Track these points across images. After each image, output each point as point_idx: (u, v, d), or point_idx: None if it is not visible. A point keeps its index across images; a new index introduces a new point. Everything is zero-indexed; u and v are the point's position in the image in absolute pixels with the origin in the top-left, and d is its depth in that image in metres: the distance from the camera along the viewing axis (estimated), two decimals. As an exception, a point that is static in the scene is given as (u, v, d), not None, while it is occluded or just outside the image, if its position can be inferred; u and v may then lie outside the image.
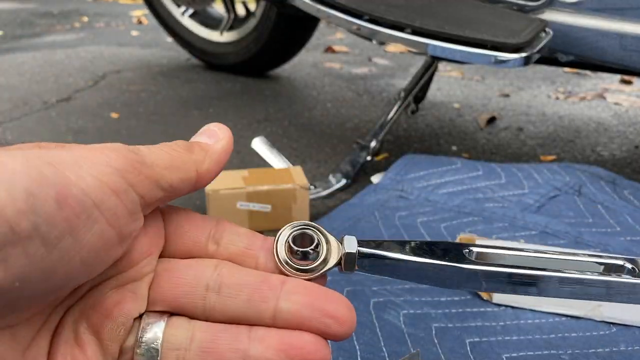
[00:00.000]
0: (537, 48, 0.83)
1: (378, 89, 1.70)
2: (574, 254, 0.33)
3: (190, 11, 1.78)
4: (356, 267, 0.30)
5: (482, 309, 0.64)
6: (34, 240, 0.20)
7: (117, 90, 1.64)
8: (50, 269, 0.21)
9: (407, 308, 0.64)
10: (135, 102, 1.54)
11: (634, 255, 0.73)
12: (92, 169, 0.22)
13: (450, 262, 0.30)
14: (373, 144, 1.04)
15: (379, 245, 0.30)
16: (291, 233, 0.29)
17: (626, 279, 0.31)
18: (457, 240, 0.67)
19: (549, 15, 0.90)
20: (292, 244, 0.28)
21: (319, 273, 0.28)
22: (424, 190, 0.92)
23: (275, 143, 1.18)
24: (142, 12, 3.13)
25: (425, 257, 0.30)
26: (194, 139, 0.29)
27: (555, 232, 0.80)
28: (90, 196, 0.22)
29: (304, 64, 2.00)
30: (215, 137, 0.29)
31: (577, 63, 0.98)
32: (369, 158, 1.03)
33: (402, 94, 1.10)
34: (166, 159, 0.26)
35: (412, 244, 0.31)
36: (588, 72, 1.92)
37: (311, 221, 0.32)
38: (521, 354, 0.57)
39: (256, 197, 0.81)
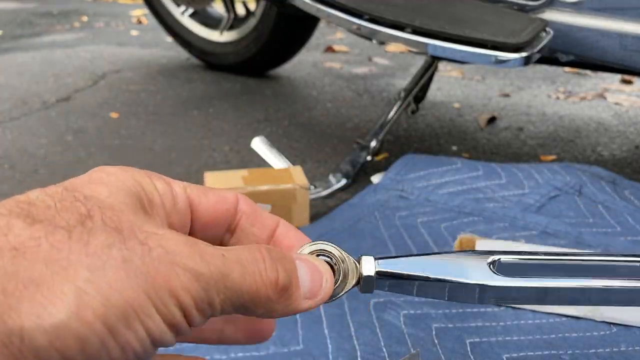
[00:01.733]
0: (538, 48, 0.83)
1: (378, 89, 1.70)
2: (604, 256, 0.31)
3: (190, 11, 1.78)
4: (375, 288, 0.29)
5: (482, 309, 0.64)
6: None
7: (116, 90, 1.64)
8: None
9: (407, 308, 0.63)
10: (135, 102, 1.53)
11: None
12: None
13: (477, 280, 0.28)
14: (373, 143, 1.03)
15: (398, 264, 0.29)
16: (311, 252, 0.28)
17: None
18: (457, 240, 0.67)
19: (549, 15, 0.90)
20: None
21: (336, 297, 0.28)
22: (424, 190, 0.92)
23: (275, 143, 1.18)
24: (141, 12, 3.13)
25: (450, 275, 0.28)
26: (298, 259, 0.27)
27: (555, 232, 0.80)
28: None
29: (304, 63, 2.00)
30: (315, 291, 0.27)
31: (578, 63, 0.98)
32: (369, 158, 1.03)
33: (402, 94, 1.10)
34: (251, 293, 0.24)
35: (434, 258, 0.29)
36: (588, 72, 1.92)
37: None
38: (521, 354, 0.57)
39: (256, 197, 0.81)
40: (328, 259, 0.28)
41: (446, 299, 0.29)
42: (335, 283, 0.28)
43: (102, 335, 0.20)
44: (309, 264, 0.27)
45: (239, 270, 0.23)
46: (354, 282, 0.28)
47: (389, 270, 0.29)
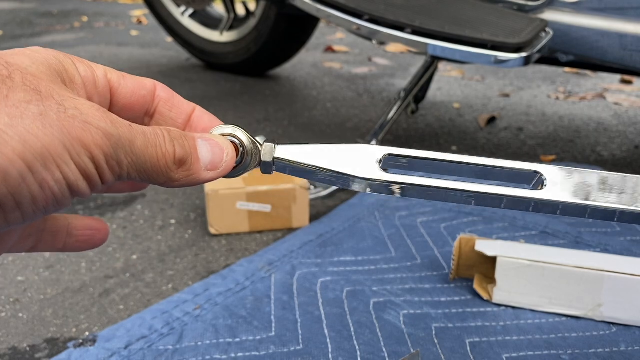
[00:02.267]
0: (537, 48, 0.83)
1: (378, 89, 1.70)
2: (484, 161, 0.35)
3: (190, 11, 1.78)
4: (273, 171, 0.33)
5: (482, 309, 0.64)
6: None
7: (117, 90, 1.64)
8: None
9: (407, 308, 0.63)
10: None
11: (634, 256, 0.73)
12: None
13: (360, 174, 0.32)
14: (373, 143, 1.03)
15: (295, 152, 0.33)
16: (220, 134, 0.32)
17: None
18: (457, 240, 0.67)
19: (549, 15, 0.90)
20: None
21: (238, 174, 0.33)
22: (424, 190, 0.92)
23: (275, 143, 1.18)
24: (141, 12, 3.13)
25: (338, 167, 0.32)
26: (201, 137, 0.30)
27: (555, 232, 0.80)
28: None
29: (304, 64, 2.00)
30: (215, 164, 0.31)
31: (577, 63, 0.98)
32: (369, 158, 1.03)
33: (402, 94, 1.10)
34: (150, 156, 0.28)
35: (328, 149, 0.33)
36: (588, 72, 1.92)
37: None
38: (521, 354, 0.57)
39: (256, 197, 0.81)
40: (235, 140, 0.32)
41: (335, 185, 0.33)
42: (240, 162, 0.32)
43: (21, 170, 0.22)
44: (212, 142, 0.31)
45: (143, 140, 0.27)
46: (255, 163, 0.33)
47: (284, 158, 0.33)
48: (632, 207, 0.32)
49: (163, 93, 0.33)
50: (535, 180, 0.34)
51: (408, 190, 0.33)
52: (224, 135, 0.32)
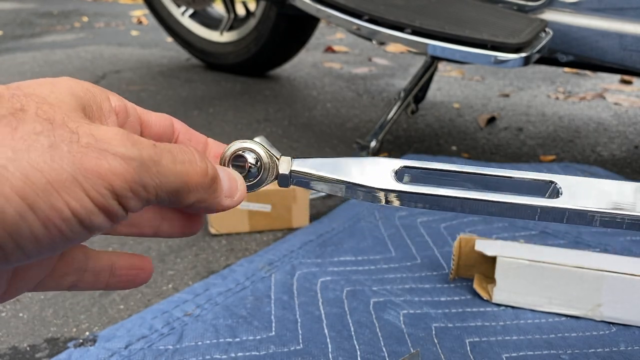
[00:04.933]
0: (537, 48, 0.83)
1: (378, 89, 1.70)
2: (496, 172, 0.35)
3: (190, 11, 1.78)
4: (291, 184, 0.34)
5: (482, 309, 0.64)
6: None
7: (117, 90, 1.64)
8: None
9: (407, 308, 0.64)
10: (135, 102, 1.52)
11: (634, 256, 0.73)
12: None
13: (377, 185, 0.32)
14: (373, 144, 1.04)
15: (311, 164, 0.33)
16: (236, 150, 0.33)
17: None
18: (457, 240, 0.67)
19: (549, 15, 0.90)
20: (233, 160, 0.32)
21: (258, 188, 0.33)
22: (424, 190, 0.92)
23: (275, 143, 1.18)
24: (142, 12, 3.13)
25: (355, 179, 0.33)
26: (218, 168, 0.30)
27: (555, 232, 0.80)
28: None
29: (304, 64, 2.00)
30: (232, 191, 0.30)
31: (577, 63, 0.98)
32: (368, 158, 1.03)
33: (402, 94, 1.10)
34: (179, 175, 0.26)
35: (344, 161, 0.34)
36: (588, 72, 1.92)
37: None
38: (521, 353, 0.57)
39: (256, 197, 0.81)
40: (253, 156, 0.33)
41: (353, 198, 0.34)
42: (257, 177, 0.33)
43: (20, 209, 0.21)
44: (226, 170, 0.31)
45: (170, 158, 0.25)
46: (272, 177, 0.33)
47: (301, 170, 0.33)
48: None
49: (179, 125, 0.33)
50: (549, 190, 0.34)
51: (426, 200, 0.33)
52: (242, 149, 0.32)
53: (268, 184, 0.33)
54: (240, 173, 0.32)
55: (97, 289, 0.31)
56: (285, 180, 0.34)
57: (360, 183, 0.33)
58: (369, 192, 0.33)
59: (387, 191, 0.32)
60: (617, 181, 0.34)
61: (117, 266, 0.31)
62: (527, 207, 0.32)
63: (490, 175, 0.35)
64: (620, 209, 0.32)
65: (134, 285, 0.32)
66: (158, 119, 0.32)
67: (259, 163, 0.32)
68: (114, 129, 0.24)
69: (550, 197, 0.33)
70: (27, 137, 0.21)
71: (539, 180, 0.34)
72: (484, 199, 0.32)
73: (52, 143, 0.21)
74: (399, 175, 0.34)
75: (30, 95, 0.23)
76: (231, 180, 0.30)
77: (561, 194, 0.33)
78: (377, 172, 0.33)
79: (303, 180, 0.34)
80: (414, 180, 0.35)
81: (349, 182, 0.33)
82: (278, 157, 0.34)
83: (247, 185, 0.32)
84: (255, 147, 0.33)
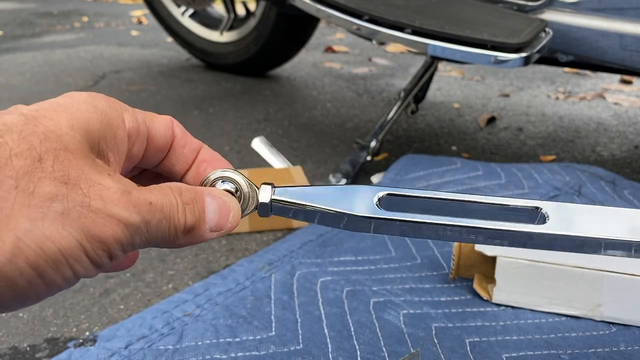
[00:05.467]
0: (537, 48, 0.83)
1: (378, 89, 1.70)
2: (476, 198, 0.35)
3: (190, 11, 1.78)
4: (271, 213, 0.33)
5: (481, 309, 0.64)
6: None
7: (117, 90, 1.64)
8: None
9: (407, 308, 0.64)
10: (135, 102, 1.54)
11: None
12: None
13: (360, 212, 0.32)
14: (373, 144, 1.04)
15: (292, 193, 0.33)
16: (216, 179, 0.32)
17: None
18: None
19: (549, 15, 0.90)
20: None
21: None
22: (424, 190, 0.92)
23: (275, 143, 1.18)
24: (142, 12, 3.13)
25: (337, 207, 0.32)
26: (210, 194, 0.31)
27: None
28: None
29: (304, 64, 2.00)
30: (220, 225, 0.31)
31: (577, 63, 0.98)
32: (369, 158, 1.03)
33: (402, 94, 1.10)
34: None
35: (326, 190, 0.33)
36: (588, 72, 1.92)
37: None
38: (521, 353, 0.57)
39: (256, 197, 0.81)
40: (232, 185, 0.32)
41: (337, 227, 0.33)
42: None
43: (31, 277, 0.23)
44: (219, 200, 0.31)
45: (159, 217, 0.28)
46: (253, 207, 0.33)
47: (282, 199, 0.33)
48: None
49: (178, 129, 0.34)
50: (537, 217, 0.34)
51: (410, 228, 0.32)
52: (221, 178, 0.32)
53: (248, 214, 0.33)
54: None
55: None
56: (265, 210, 0.33)
57: (344, 212, 0.32)
58: (353, 220, 0.32)
59: (372, 219, 0.32)
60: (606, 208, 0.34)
61: None
62: (514, 234, 0.32)
63: (477, 202, 0.34)
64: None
65: (118, 270, 0.34)
66: (161, 129, 0.33)
67: (238, 192, 0.32)
68: (120, 187, 0.26)
69: (538, 222, 0.34)
70: (43, 204, 0.23)
71: (525, 207, 0.34)
72: (477, 226, 0.32)
73: (64, 210, 0.24)
74: (383, 202, 0.33)
75: (48, 139, 0.25)
76: (222, 212, 0.31)
77: (548, 218, 0.33)
78: (361, 199, 0.33)
79: (284, 209, 0.33)
80: (394, 206, 0.34)
81: (333, 211, 0.32)
82: (258, 186, 0.33)
83: None
84: (235, 177, 0.32)
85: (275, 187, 0.33)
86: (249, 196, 0.33)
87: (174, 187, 0.29)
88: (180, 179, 0.35)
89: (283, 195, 0.33)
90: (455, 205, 0.34)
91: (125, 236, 0.26)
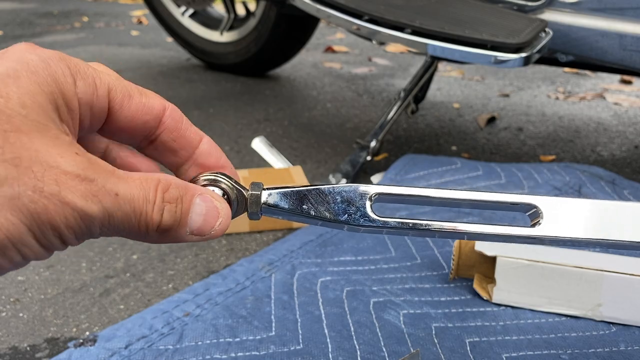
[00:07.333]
0: (537, 48, 0.83)
1: (378, 89, 1.70)
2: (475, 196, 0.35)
3: (190, 11, 1.78)
4: (260, 216, 0.33)
5: (481, 309, 0.64)
6: None
7: (117, 90, 1.64)
8: None
9: (407, 308, 0.64)
10: (135, 102, 1.53)
11: (634, 256, 0.73)
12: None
13: (347, 220, 0.32)
14: (373, 144, 1.03)
15: (282, 196, 0.32)
16: (205, 182, 0.32)
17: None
18: (457, 240, 0.67)
19: (549, 15, 0.90)
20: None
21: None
22: (424, 190, 0.92)
23: (275, 143, 1.18)
24: (142, 12, 3.13)
25: (327, 213, 0.32)
26: (202, 196, 0.29)
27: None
28: None
29: (304, 64, 2.00)
30: (203, 231, 0.29)
31: (577, 63, 0.98)
32: (369, 158, 1.03)
33: (402, 94, 1.10)
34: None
35: (314, 192, 0.33)
36: (588, 72, 1.92)
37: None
38: (521, 353, 0.57)
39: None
40: (221, 189, 0.31)
41: (327, 227, 0.34)
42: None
43: None
44: (209, 205, 0.29)
45: (126, 211, 0.26)
46: (241, 210, 0.32)
47: (271, 202, 0.32)
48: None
49: (170, 120, 0.32)
50: (531, 213, 0.34)
51: (400, 229, 0.33)
52: (206, 182, 0.31)
53: (237, 216, 0.32)
54: None
55: None
56: (254, 213, 0.32)
57: (333, 218, 0.32)
58: (342, 224, 0.32)
59: (361, 223, 0.32)
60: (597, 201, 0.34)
61: None
62: (509, 237, 0.33)
63: (466, 199, 0.34)
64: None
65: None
66: (136, 111, 0.30)
67: (225, 197, 0.31)
68: (81, 172, 0.24)
69: (532, 224, 0.34)
70: None
71: (519, 203, 0.34)
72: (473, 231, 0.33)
73: (14, 194, 0.23)
74: (375, 201, 0.33)
75: (2, 113, 0.23)
76: (208, 218, 0.29)
77: (542, 218, 0.33)
78: (352, 201, 0.32)
79: (274, 212, 0.33)
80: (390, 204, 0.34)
81: (321, 217, 0.32)
82: (247, 189, 0.32)
83: None
84: (220, 182, 0.31)
85: (264, 189, 0.32)
86: (238, 200, 0.32)
87: (161, 180, 0.27)
88: (175, 171, 0.33)
89: (273, 197, 0.32)
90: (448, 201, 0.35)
91: (78, 225, 0.24)
